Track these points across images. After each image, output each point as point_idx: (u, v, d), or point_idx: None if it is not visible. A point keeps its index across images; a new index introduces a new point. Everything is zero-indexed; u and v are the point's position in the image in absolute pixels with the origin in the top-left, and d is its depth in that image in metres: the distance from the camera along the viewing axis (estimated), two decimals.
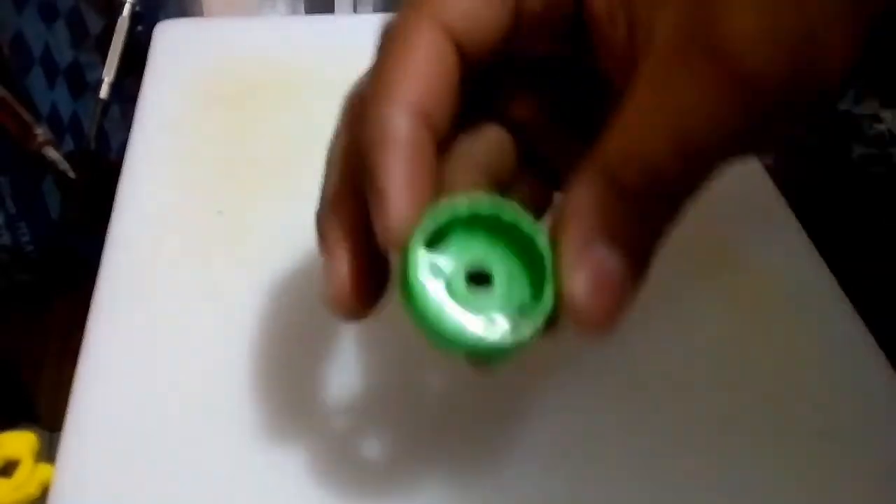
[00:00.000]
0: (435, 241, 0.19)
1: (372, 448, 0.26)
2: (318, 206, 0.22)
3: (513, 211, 0.19)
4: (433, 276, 0.19)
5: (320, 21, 0.53)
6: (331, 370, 0.28)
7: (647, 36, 0.19)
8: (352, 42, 0.43)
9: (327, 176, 0.22)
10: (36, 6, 0.89)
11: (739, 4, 0.18)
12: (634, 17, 0.20)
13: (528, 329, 0.18)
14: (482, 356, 0.20)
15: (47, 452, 0.84)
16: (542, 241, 0.19)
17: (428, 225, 0.18)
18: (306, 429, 0.27)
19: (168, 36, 0.43)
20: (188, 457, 0.26)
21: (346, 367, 0.28)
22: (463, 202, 0.19)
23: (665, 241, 0.19)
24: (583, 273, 0.18)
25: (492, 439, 0.26)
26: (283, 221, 0.33)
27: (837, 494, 0.26)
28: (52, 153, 0.90)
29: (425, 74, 0.19)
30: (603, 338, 0.18)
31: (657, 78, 0.19)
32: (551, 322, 0.19)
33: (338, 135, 0.22)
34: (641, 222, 0.19)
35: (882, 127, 0.45)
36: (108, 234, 0.33)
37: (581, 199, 0.19)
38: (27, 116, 0.88)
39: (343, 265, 0.20)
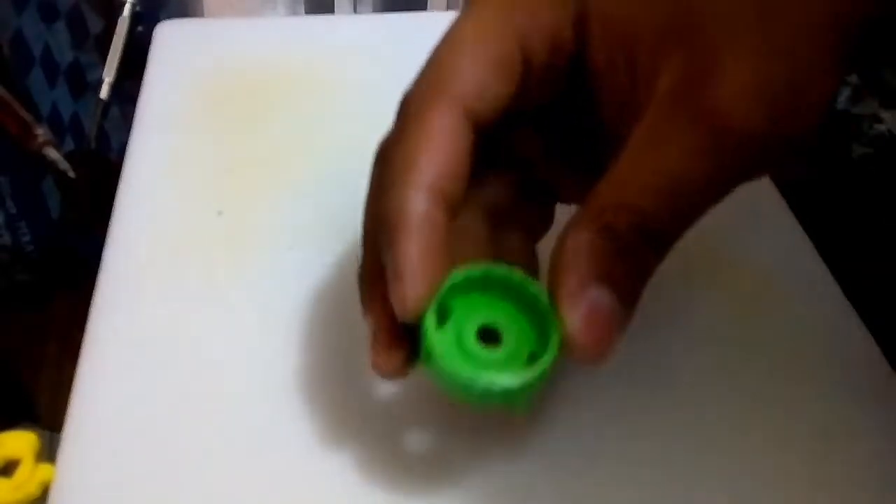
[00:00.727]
0: (446, 309, 0.21)
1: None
2: (358, 271, 0.23)
3: (502, 268, 0.21)
4: (448, 340, 0.21)
5: (320, 21, 0.53)
6: (331, 369, 0.28)
7: (648, 87, 0.21)
8: (352, 42, 0.43)
9: (364, 240, 0.23)
10: (36, 6, 0.89)
11: (733, 62, 0.19)
12: (637, 66, 0.21)
13: (536, 372, 0.20)
14: (500, 402, 0.21)
15: (47, 452, 0.83)
16: (534, 288, 0.21)
17: (436, 297, 0.21)
18: (307, 428, 0.27)
19: (168, 36, 0.43)
20: (189, 457, 0.26)
21: (346, 366, 0.28)
22: (460, 271, 0.21)
23: (652, 278, 0.21)
24: (578, 312, 0.20)
25: (505, 436, 0.27)
26: (284, 221, 0.33)
27: (838, 494, 0.26)
28: (52, 153, 0.90)
29: (442, 157, 0.21)
30: (598, 366, 0.20)
31: (650, 131, 0.20)
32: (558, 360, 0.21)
33: (371, 197, 0.23)
34: (631, 264, 0.20)
35: (882, 127, 0.45)
36: (108, 234, 0.33)
37: (575, 244, 0.20)
38: (27, 116, 0.88)
39: (384, 333, 0.22)
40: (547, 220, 0.26)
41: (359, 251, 0.24)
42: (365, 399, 0.27)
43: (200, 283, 0.31)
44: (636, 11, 0.21)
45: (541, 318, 0.21)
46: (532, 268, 0.25)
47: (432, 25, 0.38)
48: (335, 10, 0.84)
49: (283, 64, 0.41)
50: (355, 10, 0.85)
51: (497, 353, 0.21)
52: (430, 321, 0.21)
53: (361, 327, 0.25)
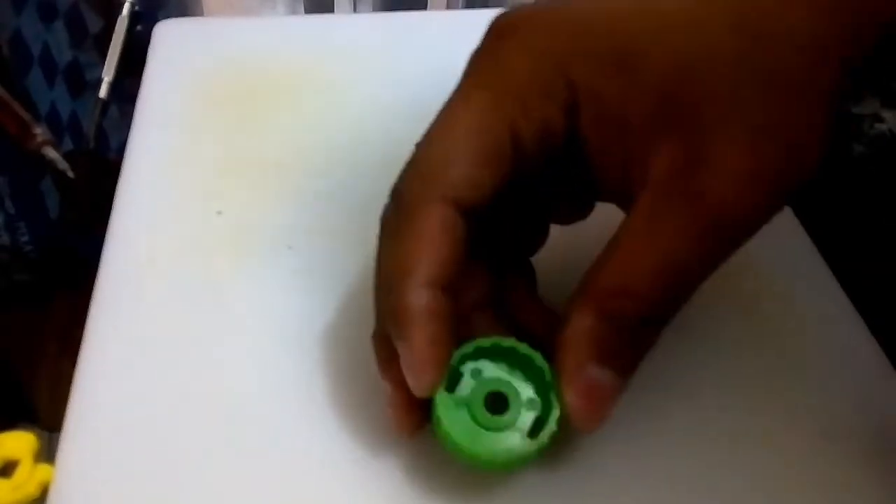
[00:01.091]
0: (458, 376, 0.23)
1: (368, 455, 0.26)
2: (373, 335, 0.25)
3: (510, 340, 0.23)
4: (458, 408, 0.23)
5: (320, 21, 0.53)
6: (331, 369, 0.28)
7: (641, 175, 0.22)
8: (352, 42, 0.43)
9: (375, 307, 0.24)
10: (35, 6, 0.89)
11: (725, 147, 0.20)
12: (630, 154, 0.22)
13: (536, 444, 0.23)
14: (504, 468, 0.24)
15: (47, 452, 0.84)
16: (539, 360, 0.23)
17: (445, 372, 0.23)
18: (307, 427, 0.27)
19: (167, 35, 0.43)
20: (188, 457, 0.26)
21: (347, 366, 0.28)
22: (470, 342, 0.23)
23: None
24: (577, 389, 0.22)
25: None
26: (284, 221, 0.33)
27: (837, 494, 0.26)
28: (51, 153, 0.90)
29: (438, 253, 0.22)
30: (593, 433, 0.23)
31: (647, 216, 0.21)
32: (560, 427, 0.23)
33: (379, 280, 0.24)
34: (630, 343, 0.22)
35: (883, 127, 0.45)
36: (107, 234, 0.33)
37: (578, 329, 0.22)
38: (26, 116, 0.88)
39: (399, 397, 0.24)
40: (544, 233, 0.27)
41: (372, 314, 0.25)
42: (365, 399, 0.27)
43: (200, 283, 0.31)
44: (627, 94, 0.21)
45: (545, 388, 0.23)
46: (533, 324, 0.26)
47: (432, 25, 0.38)
48: (335, 9, 0.84)
49: (283, 63, 0.41)
50: (355, 10, 0.85)
51: (504, 420, 0.23)
52: (441, 394, 0.23)
53: (362, 327, 0.25)
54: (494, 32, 0.23)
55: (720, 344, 0.30)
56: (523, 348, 0.23)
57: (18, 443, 0.84)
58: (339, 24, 0.48)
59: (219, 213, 0.33)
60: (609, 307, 0.21)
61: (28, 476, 0.81)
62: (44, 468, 0.82)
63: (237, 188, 0.34)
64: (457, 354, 0.23)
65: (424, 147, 0.23)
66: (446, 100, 0.24)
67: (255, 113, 0.38)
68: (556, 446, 0.26)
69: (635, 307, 0.21)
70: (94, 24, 0.91)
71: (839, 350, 0.30)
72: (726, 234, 0.21)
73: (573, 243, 0.27)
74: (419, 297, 0.22)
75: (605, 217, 0.25)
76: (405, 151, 0.24)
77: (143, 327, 0.29)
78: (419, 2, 0.83)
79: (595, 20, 0.22)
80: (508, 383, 0.23)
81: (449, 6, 0.84)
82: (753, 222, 0.21)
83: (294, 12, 0.84)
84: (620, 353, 0.22)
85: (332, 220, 0.33)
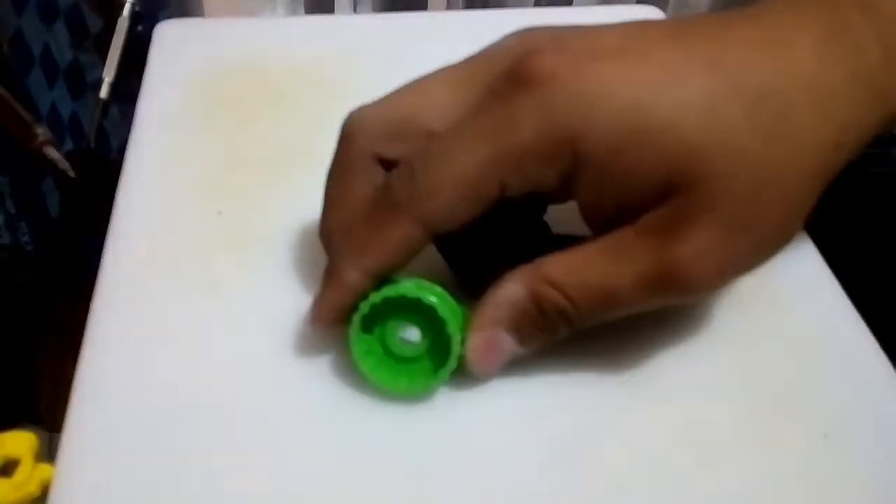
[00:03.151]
0: (378, 314, 0.26)
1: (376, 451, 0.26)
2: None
3: (416, 290, 0.26)
4: (371, 345, 0.27)
5: (320, 21, 0.53)
6: (331, 369, 0.28)
7: (632, 219, 0.24)
8: (352, 42, 0.43)
9: (324, 223, 0.28)
10: (35, 6, 0.89)
11: (706, 229, 0.23)
12: (623, 210, 0.24)
13: (434, 383, 0.26)
14: (406, 394, 0.27)
15: (47, 452, 0.84)
16: (441, 312, 0.26)
17: (363, 310, 0.26)
18: (307, 427, 0.27)
19: (168, 36, 0.43)
20: (188, 457, 0.26)
21: (346, 366, 0.28)
22: (378, 292, 0.26)
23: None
24: (479, 341, 0.26)
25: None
26: (283, 221, 0.33)
27: (837, 494, 0.26)
28: (51, 153, 0.90)
29: (390, 258, 0.26)
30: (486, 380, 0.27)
31: (615, 246, 0.24)
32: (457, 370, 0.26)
33: (332, 174, 0.28)
34: (541, 326, 0.25)
35: None
36: (108, 234, 0.33)
37: (505, 292, 0.25)
38: (27, 116, 0.88)
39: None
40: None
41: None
42: (367, 398, 0.27)
43: (200, 283, 0.31)
44: (633, 171, 0.23)
45: (444, 335, 0.26)
46: None
47: (432, 25, 0.38)
48: (335, 9, 0.84)
49: (283, 64, 0.41)
50: (355, 10, 0.85)
51: (415, 350, 0.27)
52: (354, 330, 0.26)
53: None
54: (518, 75, 0.24)
55: (717, 344, 0.30)
56: (427, 300, 0.26)
57: (19, 442, 0.84)
58: (339, 25, 0.48)
59: (219, 213, 0.33)
60: (541, 290, 0.25)
61: (29, 475, 0.81)
62: (44, 468, 0.82)
63: (237, 188, 0.35)
64: (376, 298, 0.26)
65: (423, 163, 0.25)
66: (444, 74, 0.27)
67: (255, 113, 0.38)
68: (552, 443, 0.26)
69: (562, 304, 0.25)
70: (95, 24, 0.91)
71: (839, 350, 0.30)
72: (674, 297, 0.24)
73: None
74: (355, 276, 0.26)
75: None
76: None
77: (143, 327, 0.29)
78: (419, 2, 0.83)
79: (617, 90, 0.23)
80: (425, 325, 0.26)
81: (449, 6, 0.84)
82: (703, 291, 0.25)
83: (294, 12, 0.84)
84: (530, 328, 0.25)
85: None
